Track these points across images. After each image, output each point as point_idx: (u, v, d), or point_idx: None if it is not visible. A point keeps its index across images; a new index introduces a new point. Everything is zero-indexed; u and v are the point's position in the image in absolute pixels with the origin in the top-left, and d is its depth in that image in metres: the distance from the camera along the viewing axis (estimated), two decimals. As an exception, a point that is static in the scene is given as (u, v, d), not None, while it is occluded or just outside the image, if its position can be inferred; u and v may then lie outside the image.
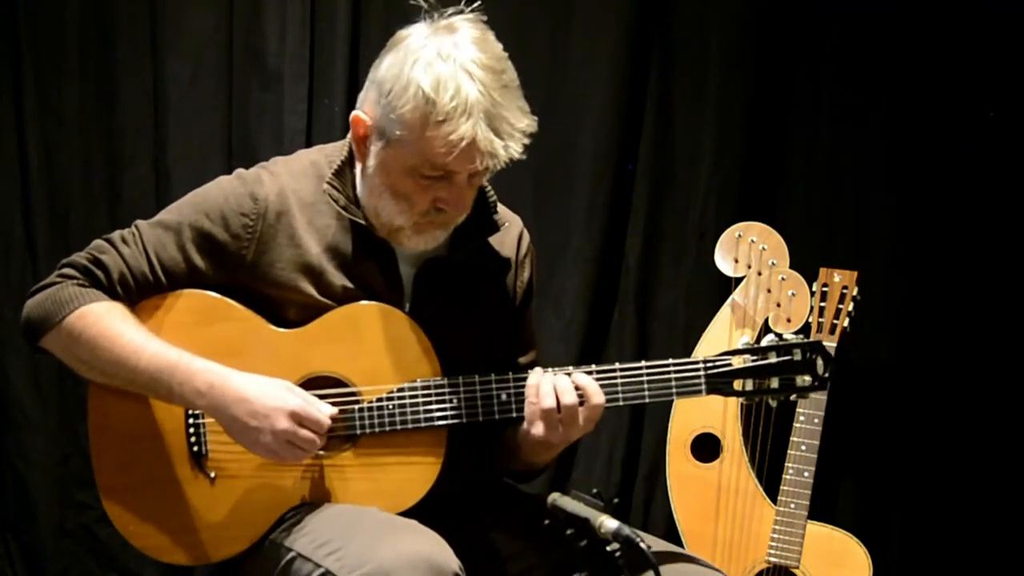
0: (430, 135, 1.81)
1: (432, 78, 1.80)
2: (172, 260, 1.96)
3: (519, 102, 1.85)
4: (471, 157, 1.81)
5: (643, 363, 1.91)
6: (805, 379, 1.91)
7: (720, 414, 2.83)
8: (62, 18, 3.07)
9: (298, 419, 1.86)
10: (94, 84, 3.11)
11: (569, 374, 1.90)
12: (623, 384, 1.91)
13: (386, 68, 1.87)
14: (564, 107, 3.17)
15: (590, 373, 1.91)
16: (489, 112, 1.80)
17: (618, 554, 1.55)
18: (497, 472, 2.17)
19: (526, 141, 1.84)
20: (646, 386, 1.90)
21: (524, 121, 1.84)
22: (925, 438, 3.15)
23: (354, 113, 1.93)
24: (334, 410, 1.90)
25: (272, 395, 1.86)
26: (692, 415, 2.85)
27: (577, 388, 1.88)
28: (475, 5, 1.88)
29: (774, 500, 2.78)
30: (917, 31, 3.10)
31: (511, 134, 1.82)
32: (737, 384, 1.91)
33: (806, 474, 2.74)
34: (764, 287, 2.76)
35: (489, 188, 2.05)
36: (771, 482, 2.81)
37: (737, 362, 1.90)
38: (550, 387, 1.88)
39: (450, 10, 1.88)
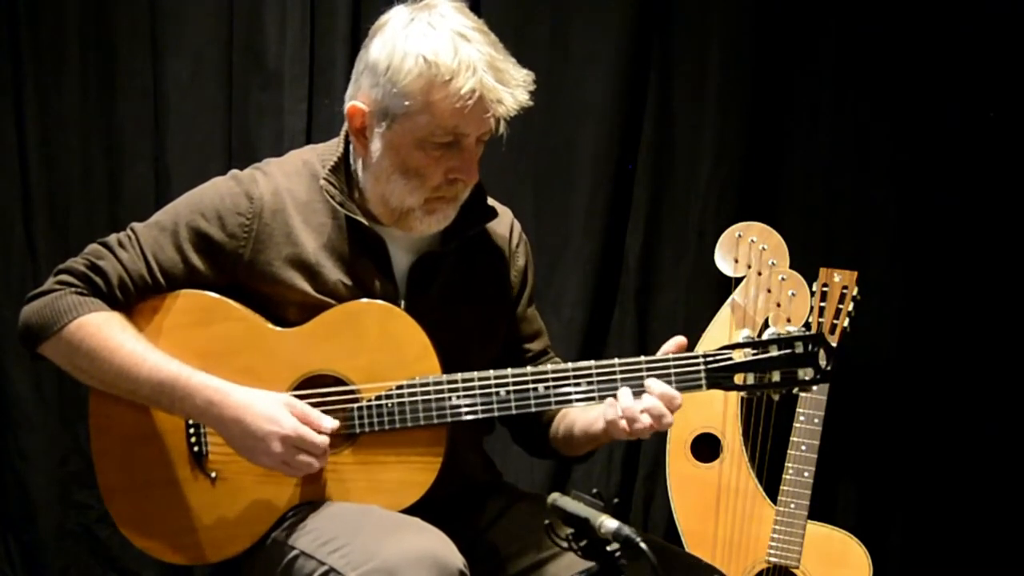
0: (438, 97, 1.84)
1: (430, 45, 1.84)
2: (170, 261, 1.96)
3: (511, 58, 1.90)
4: (483, 109, 1.84)
5: (642, 358, 1.90)
6: (807, 372, 1.89)
7: (720, 414, 2.83)
8: (62, 18, 3.08)
9: (291, 443, 1.86)
10: (94, 84, 3.12)
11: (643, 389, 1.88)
12: (623, 380, 1.90)
13: (377, 51, 1.89)
14: (564, 107, 3.17)
15: (589, 368, 1.90)
16: (490, 64, 1.85)
17: (618, 554, 1.54)
18: (555, 458, 2.19)
19: (531, 88, 1.89)
20: (646, 381, 1.90)
21: (522, 72, 1.89)
22: (925, 438, 3.15)
23: (349, 104, 1.94)
24: (335, 423, 1.90)
25: (268, 417, 1.86)
26: (692, 415, 2.85)
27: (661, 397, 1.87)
28: None
29: (774, 500, 2.78)
30: (917, 31, 3.10)
31: (515, 83, 1.87)
32: (738, 378, 1.89)
33: (806, 474, 2.74)
34: (764, 287, 2.76)
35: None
36: (771, 482, 2.81)
37: (738, 356, 1.88)
38: (647, 420, 1.86)
39: None
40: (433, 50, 1.83)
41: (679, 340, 1.93)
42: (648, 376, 1.88)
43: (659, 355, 1.91)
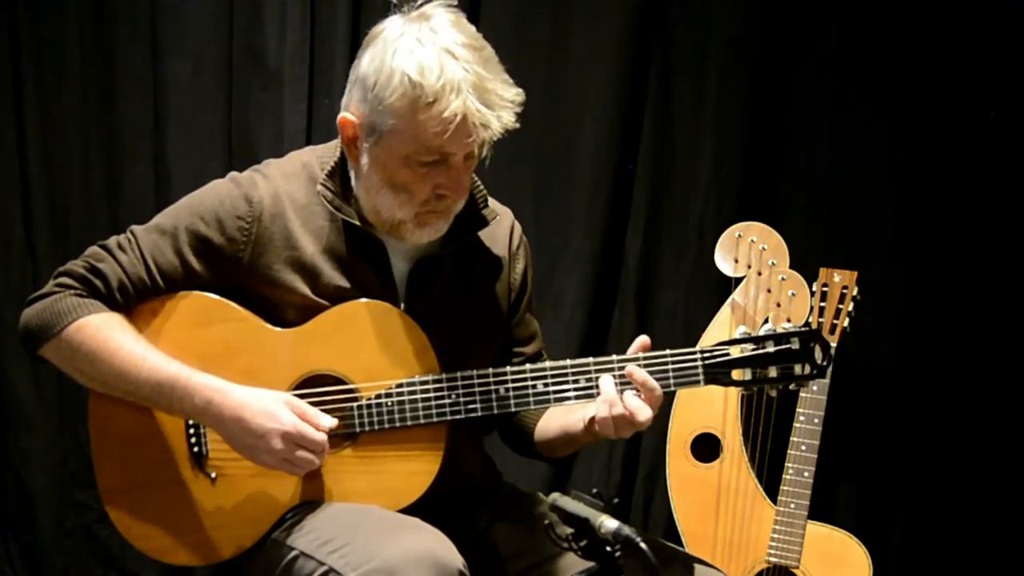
0: (422, 119, 1.82)
1: (416, 63, 1.81)
2: (169, 264, 1.96)
3: (502, 75, 1.86)
4: (466, 133, 1.82)
5: (640, 355, 1.90)
6: (804, 368, 1.89)
7: (720, 414, 2.83)
8: (62, 18, 3.08)
9: (292, 439, 1.86)
10: (94, 84, 3.11)
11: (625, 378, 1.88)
12: (620, 376, 1.90)
13: (367, 63, 1.88)
14: (564, 107, 3.17)
15: (587, 366, 1.90)
16: (477, 86, 1.81)
17: (618, 554, 1.54)
18: (540, 459, 2.19)
19: (517, 110, 1.85)
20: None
21: (511, 91, 1.85)
22: (925, 438, 3.15)
23: (340, 116, 1.93)
24: (334, 422, 1.90)
25: (267, 414, 1.86)
26: (692, 415, 2.85)
27: (640, 388, 1.87)
28: None
29: (774, 500, 2.78)
30: (917, 31, 3.09)
31: (501, 104, 1.83)
32: (735, 374, 1.90)
33: (806, 474, 2.74)
34: (764, 287, 2.76)
35: (478, 182, 2.05)
36: (771, 482, 2.81)
37: (735, 352, 1.89)
38: (622, 410, 1.86)
39: (420, 0, 1.90)
40: (419, 69, 1.80)
41: (642, 340, 1.92)
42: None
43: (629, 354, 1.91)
